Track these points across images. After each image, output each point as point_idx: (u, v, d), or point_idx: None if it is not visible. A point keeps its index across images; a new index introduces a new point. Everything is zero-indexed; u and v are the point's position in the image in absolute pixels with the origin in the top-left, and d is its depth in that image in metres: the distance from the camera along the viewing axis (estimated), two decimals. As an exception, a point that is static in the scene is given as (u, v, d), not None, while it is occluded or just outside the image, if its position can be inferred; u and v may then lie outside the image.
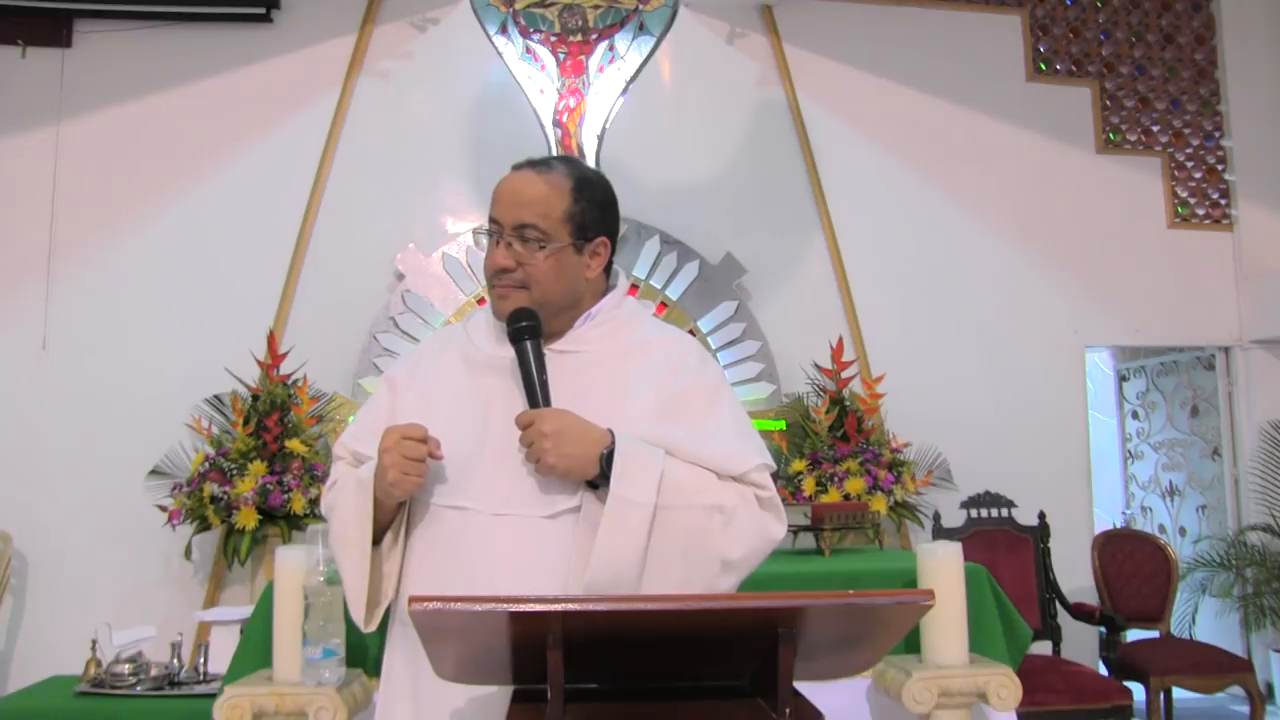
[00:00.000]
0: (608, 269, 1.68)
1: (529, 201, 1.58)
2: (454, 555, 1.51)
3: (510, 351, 1.58)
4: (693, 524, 1.48)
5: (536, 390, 1.53)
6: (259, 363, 4.79)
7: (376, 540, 1.57)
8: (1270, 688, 5.39)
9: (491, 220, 1.61)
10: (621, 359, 1.61)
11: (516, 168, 1.65)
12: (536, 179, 1.60)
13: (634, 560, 1.45)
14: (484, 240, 1.63)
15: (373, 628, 1.59)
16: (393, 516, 1.58)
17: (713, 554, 1.49)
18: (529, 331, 1.55)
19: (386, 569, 1.58)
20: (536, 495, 1.51)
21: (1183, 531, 6.30)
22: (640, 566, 1.45)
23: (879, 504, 4.74)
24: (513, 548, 1.50)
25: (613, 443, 1.48)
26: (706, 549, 1.49)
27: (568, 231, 1.59)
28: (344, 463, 1.68)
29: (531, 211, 1.57)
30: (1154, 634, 4.74)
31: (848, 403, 5.11)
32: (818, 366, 5.23)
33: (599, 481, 1.48)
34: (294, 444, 4.55)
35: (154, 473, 4.78)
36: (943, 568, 2.48)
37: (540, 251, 1.57)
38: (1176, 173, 5.94)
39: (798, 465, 4.91)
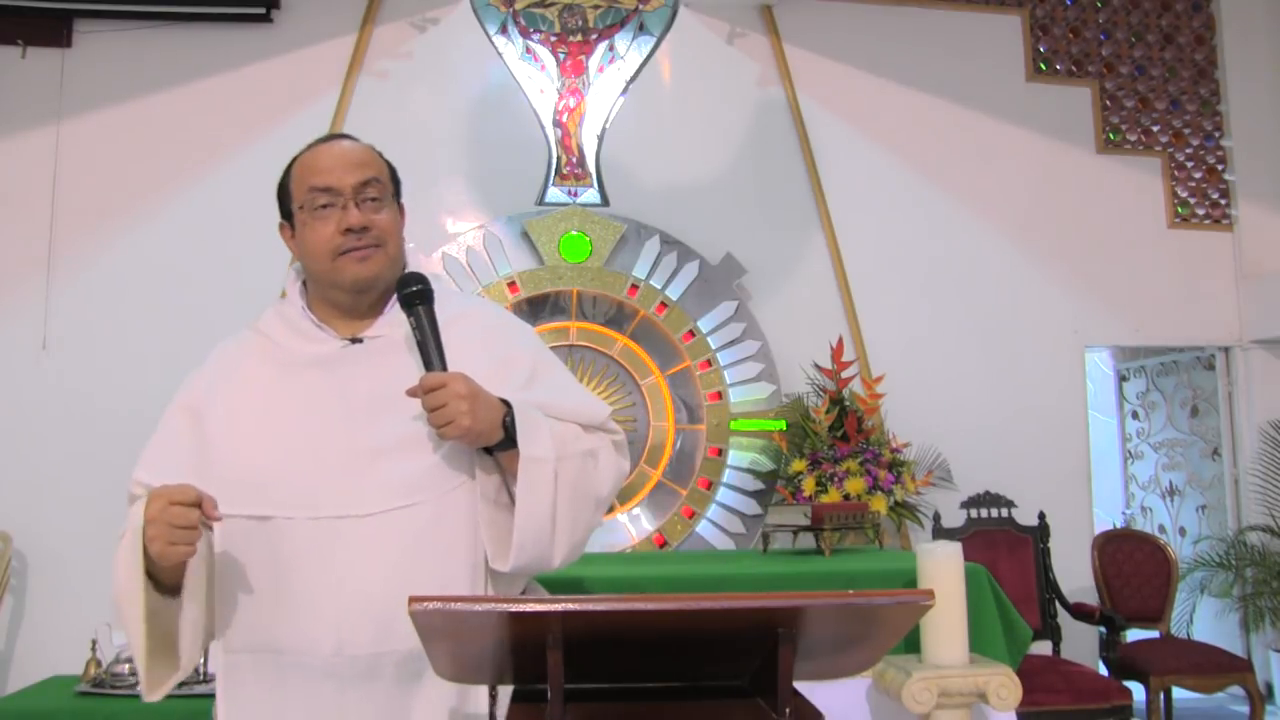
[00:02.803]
0: None
1: (364, 162, 1.59)
2: (302, 566, 1.44)
3: (329, 347, 1.56)
4: (577, 470, 1.53)
5: (434, 355, 1.49)
6: (259, 363, 4.78)
7: (176, 591, 1.43)
8: (1270, 688, 5.39)
9: (322, 190, 1.56)
10: (444, 333, 1.55)
11: (320, 141, 1.63)
12: (356, 144, 1.62)
13: (549, 517, 1.48)
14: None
15: (157, 697, 1.44)
16: (181, 570, 1.42)
17: (591, 495, 1.55)
18: (421, 296, 1.52)
19: (186, 617, 1.42)
20: (390, 487, 1.46)
21: (1183, 531, 6.29)
22: (553, 522, 1.48)
23: (879, 504, 4.74)
24: (374, 547, 1.44)
25: (510, 407, 1.48)
26: (588, 491, 1.54)
27: (392, 191, 1.62)
28: (139, 502, 1.42)
29: (370, 170, 1.58)
30: (1154, 634, 4.74)
31: (848, 403, 5.10)
32: (818, 366, 5.22)
33: (493, 448, 1.49)
34: (294, 444, 4.55)
35: (154, 473, 4.78)
36: (943, 568, 2.49)
37: (386, 205, 1.59)
38: (1176, 173, 5.94)
39: (798, 465, 4.90)
